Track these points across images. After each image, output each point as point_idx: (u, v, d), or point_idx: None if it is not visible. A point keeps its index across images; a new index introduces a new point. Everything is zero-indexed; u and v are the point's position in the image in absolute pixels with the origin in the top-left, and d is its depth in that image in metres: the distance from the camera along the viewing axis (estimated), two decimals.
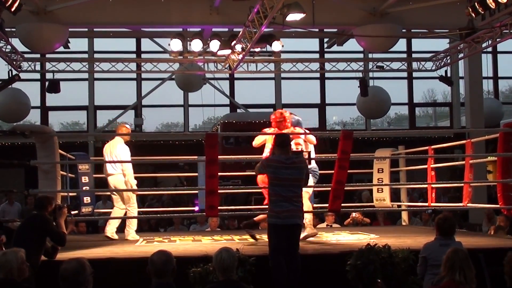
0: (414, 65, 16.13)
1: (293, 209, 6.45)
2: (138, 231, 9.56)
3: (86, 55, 19.78)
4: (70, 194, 9.76)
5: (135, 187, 9.12)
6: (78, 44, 18.85)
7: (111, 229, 9.24)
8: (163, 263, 4.54)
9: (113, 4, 13.06)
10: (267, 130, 8.42)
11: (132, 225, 9.21)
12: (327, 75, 20.26)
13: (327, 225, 11.58)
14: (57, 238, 6.48)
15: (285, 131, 8.05)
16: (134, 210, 9.15)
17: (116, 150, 9.02)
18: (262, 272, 6.30)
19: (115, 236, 9.22)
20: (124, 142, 9.12)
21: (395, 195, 12.36)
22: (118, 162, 8.94)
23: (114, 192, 9.30)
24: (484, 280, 6.29)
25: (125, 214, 9.24)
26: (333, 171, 8.30)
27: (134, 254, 7.25)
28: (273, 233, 6.47)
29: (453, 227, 6.12)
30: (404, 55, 20.19)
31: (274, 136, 6.77)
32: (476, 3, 10.73)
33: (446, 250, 5.25)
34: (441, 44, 16.89)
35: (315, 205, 10.93)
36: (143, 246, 8.20)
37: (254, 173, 7.28)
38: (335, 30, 16.13)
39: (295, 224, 6.51)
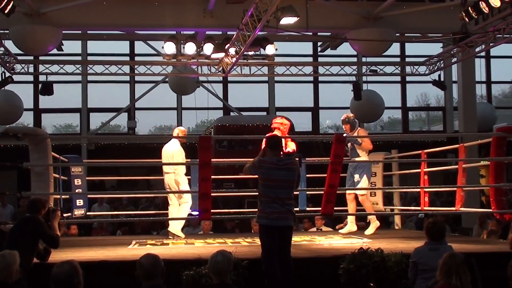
0: (408, 69, 16.14)
1: (283, 211, 6.38)
2: (131, 233, 9.56)
3: (79, 58, 19.74)
4: (63, 196, 9.76)
5: (186, 185, 9.56)
6: (72, 47, 18.79)
7: (176, 226, 9.62)
8: (152, 265, 4.53)
9: (106, 6, 13.02)
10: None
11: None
12: (320, 78, 20.26)
13: (317, 228, 11.59)
14: (51, 240, 6.47)
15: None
16: (186, 206, 9.49)
17: (171, 150, 9.52)
18: (255, 276, 6.30)
19: (181, 235, 9.58)
20: (180, 144, 9.66)
21: (387, 199, 12.37)
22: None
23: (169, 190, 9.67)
24: (476, 284, 6.29)
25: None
26: (325, 175, 8.30)
27: (126, 256, 7.22)
28: (265, 234, 6.42)
29: (442, 231, 6.10)
30: (398, 59, 20.21)
31: (265, 137, 6.67)
32: (469, 8, 10.75)
33: (436, 255, 5.25)
34: (435, 49, 16.92)
35: (307, 208, 10.97)
36: (135, 249, 8.19)
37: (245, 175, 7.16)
38: (329, 33, 16.13)
39: (286, 226, 6.44)
